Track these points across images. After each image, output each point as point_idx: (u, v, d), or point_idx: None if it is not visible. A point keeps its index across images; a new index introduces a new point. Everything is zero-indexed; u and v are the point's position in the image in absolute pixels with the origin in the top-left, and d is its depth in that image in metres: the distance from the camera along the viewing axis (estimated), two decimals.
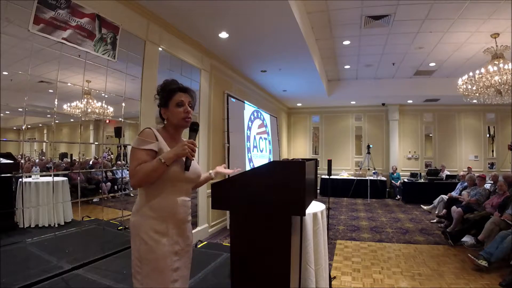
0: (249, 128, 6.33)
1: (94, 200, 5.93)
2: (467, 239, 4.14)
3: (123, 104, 3.71)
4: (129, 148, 8.85)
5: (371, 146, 8.96)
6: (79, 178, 5.40)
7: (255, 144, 6.58)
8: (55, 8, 2.53)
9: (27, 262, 2.85)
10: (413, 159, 9.56)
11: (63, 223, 4.40)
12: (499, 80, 4.59)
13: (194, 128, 1.45)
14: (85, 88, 4.57)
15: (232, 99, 5.58)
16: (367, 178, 8.57)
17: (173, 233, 1.34)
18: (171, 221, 1.34)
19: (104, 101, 5.59)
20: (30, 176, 4.44)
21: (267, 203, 1.70)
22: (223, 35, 4.22)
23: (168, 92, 1.42)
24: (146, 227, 1.29)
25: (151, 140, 1.33)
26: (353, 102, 9.55)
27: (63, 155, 8.24)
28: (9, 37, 2.80)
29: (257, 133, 6.78)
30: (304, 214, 1.73)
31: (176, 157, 1.31)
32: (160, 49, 3.83)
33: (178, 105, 1.41)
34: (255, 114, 6.74)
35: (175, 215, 1.36)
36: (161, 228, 1.31)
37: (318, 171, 3.05)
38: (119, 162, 7.45)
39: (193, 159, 1.42)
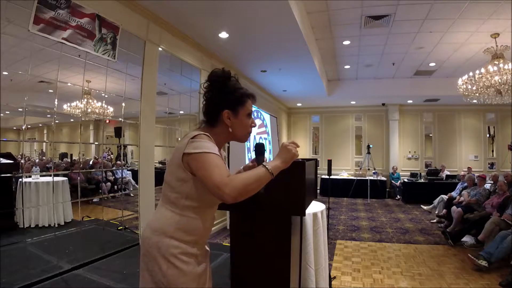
0: None
1: (94, 200, 5.95)
2: (467, 239, 4.14)
3: (123, 104, 3.71)
4: (129, 148, 8.87)
5: (371, 146, 8.96)
6: (79, 178, 5.40)
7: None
8: (55, 8, 2.53)
9: (27, 262, 2.85)
10: (413, 159, 9.56)
11: (63, 223, 4.41)
12: (499, 80, 4.59)
13: (263, 151, 1.23)
14: (85, 88, 4.58)
15: None
16: (367, 178, 8.57)
17: (201, 253, 1.20)
18: (201, 241, 1.19)
19: (104, 101, 5.60)
20: (30, 176, 4.44)
21: (267, 203, 1.70)
22: (223, 35, 4.21)
23: (241, 95, 1.15)
24: (175, 249, 1.10)
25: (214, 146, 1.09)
26: (353, 102, 9.55)
27: (63, 155, 8.25)
28: (9, 37, 2.80)
29: (257, 133, 6.78)
30: (304, 214, 1.73)
31: (284, 166, 1.09)
32: (160, 49, 3.83)
33: (249, 115, 1.18)
34: (255, 114, 6.73)
35: (205, 237, 1.22)
36: (192, 250, 1.14)
37: (318, 171, 3.05)
38: (119, 162, 7.45)
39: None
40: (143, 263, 1.15)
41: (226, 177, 0.98)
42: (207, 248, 1.28)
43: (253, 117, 1.23)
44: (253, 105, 1.20)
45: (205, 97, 1.17)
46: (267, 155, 7.42)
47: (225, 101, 1.13)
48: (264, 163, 1.05)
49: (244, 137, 1.21)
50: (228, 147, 5.36)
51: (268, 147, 7.51)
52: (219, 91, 1.14)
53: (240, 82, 1.21)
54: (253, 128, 1.23)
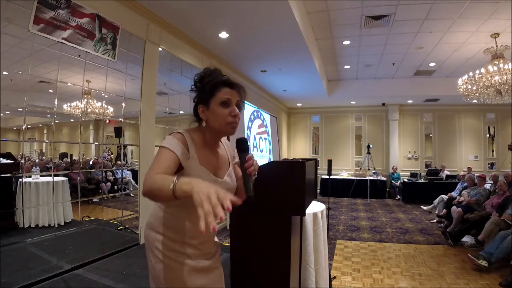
0: (249, 128, 6.33)
1: (94, 200, 5.95)
2: (467, 239, 4.14)
3: (123, 104, 3.71)
4: (129, 148, 8.87)
5: (371, 146, 8.96)
6: (79, 178, 5.40)
7: (255, 144, 6.57)
8: (55, 8, 2.53)
9: (27, 262, 2.85)
10: (413, 159, 9.56)
11: (63, 223, 4.41)
12: (499, 80, 4.59)
13: (244, 148, 1.08)
14: (85, 88, 4.58)
15: None
16: (367, 178, 8.57)
17: (192, 253, 1.12)
18: (192, 242, 1.12)
19: (104, 101, 5.60)
20: (30, 176, 4.44)
21: (267, 203, 1.70)
22: (223, 35, 4.22)
23: (211, 86, 1.09)
24: (160, 244, 1.09)
25: (182, 147, 1.05)
26: (353, 102, 9.55)
27: (63, 155, 8.26)
28: (9, 37, 2.81)
29: (257, 133, 6.78)
30: (304, 214, 1.73)
31: (190, 196, 0.80)
32: (160, 49, 3.83)
33: (223, 104, 1.07)
34: (255, 114, 6.74)
35: (199, 239, 1.13)
36: (181, 249, 1.10)
37: (318, 171, 3.05)
38: (119, 162, 7.45)
39: (254, 176, 1.08)
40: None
41: (155, 173, 0.94)
42: (212, 249, 1.21)
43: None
44: (231, 91, 1.09)
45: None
46: (267, 155, 7.45)
47: (198, 96, 1.13)
48: (177, 178, 0.85)
49: (224, 128, 1.09)
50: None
51: (268, 147, 7.51)
52: (196, 89, 1.14)
53: (227, 76, 1.15)
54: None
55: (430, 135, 9.54)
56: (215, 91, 1.08)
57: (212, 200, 0.77)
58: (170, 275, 1.08)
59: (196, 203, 0.77)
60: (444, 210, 5.56)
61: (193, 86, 1.15)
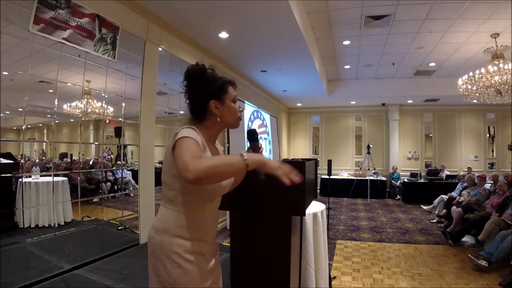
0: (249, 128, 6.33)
1: (94, 200, 5.95)
2: (467, 239, 4.14)
3: (123, 104, 3.71)
4: (129, 148, 8.86)
5: (371, 146, 8.96)
6: (79, 178, 5.41)
7: None
8: (55, 8, 2.53)
9: (27, 262, 2.85)
10: (413, 159, 9.56)
11: (63, 223, 4.41)
12: (499, 80, 4.59)
13: (255, 138, 1.22)
14: (85, 88, 4.58)
15: None
16: (367, 178, 8.57)
17: (206, 250, 1.17)
18: (206, 238, 1.17)
19: (104, 101, 5.60)
20: (30, 176, 4.44)
21: (267, 203, 1.70)
22: (223, 35, 4.22)
23: (222, 83, 1.17)
24: (178, 248, 1.08)
25: (200, 138, 1.09)
26: (353, 102, 9.55)
27: (63, 155, 8.26)
28: (9, 37, 2.81)
29: (258, 133, 6.78)
30: (304, 214, 1.73)
31: (263, 165, 1.02)
32: (160, 49, 3.83)
33: (233, 101, 1.19)
34: (255, 114, 6.74)
35: (210, 233, 1.21)
36: (196, 248, 1.12)
37: (318, 171, 3.05)
38: (119, 162, 7.46)
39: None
40: (150, 264, 1.15)
41: (196, 157, 0.95)
42: (216, 245, 1.27)
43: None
44: (234, 90, 1.21)
45: (187, 95, 1.16)
46: (267, 155, 7.43)
47: (209, 92, 1.14)
48: (242, 152, 0.99)
49: (236, 122, 1.21)
50: (228, 147, 5.36)
51: (268, 147, 7.50)
52: (200, 84, 1.14)
53: (240, 84, 1.23)
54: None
55: (430, 135, 9.54)
56: (227, 88, 1.18)
57: (285, 166, 1.03)
58: (188, 279, 1.08)
59: (272, 167, 1.02)
60: (444, 210, 5.56)
61: (186, 82, 1.16)
